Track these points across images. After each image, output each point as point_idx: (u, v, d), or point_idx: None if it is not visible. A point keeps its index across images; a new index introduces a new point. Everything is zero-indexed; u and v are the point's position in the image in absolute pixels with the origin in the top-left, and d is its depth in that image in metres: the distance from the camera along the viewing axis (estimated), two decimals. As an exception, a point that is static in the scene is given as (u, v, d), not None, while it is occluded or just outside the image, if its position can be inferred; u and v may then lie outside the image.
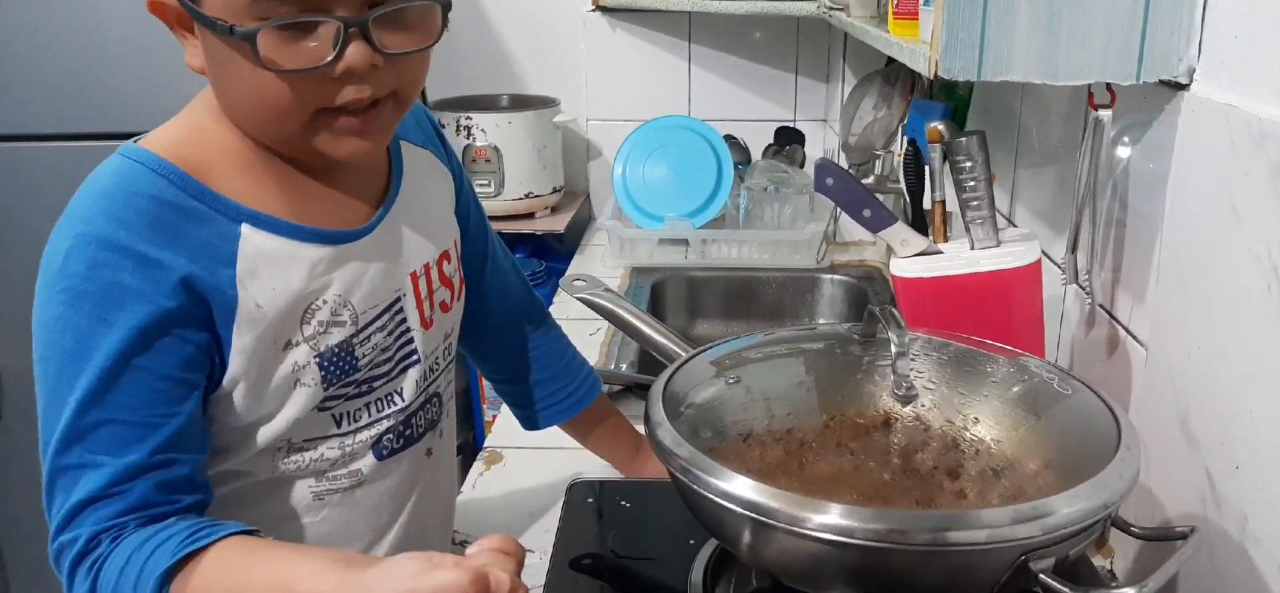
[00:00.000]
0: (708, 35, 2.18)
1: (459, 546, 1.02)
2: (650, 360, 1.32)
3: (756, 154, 2.14)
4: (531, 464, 1.16)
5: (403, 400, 0.83)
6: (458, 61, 2.26)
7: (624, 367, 1.41)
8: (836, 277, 1.78)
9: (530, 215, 2.11)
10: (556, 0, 2.20)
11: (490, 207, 2.06)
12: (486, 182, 2.05)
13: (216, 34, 0.65)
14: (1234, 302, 0.72)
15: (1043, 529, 0.62)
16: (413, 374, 0.83)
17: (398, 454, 0.84)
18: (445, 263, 0.86)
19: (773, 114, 2.22)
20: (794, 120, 2.22)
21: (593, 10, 2.17)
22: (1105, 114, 0.87)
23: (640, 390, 1.30)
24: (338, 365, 0.77)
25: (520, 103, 2.17)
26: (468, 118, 2.01)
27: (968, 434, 0.85)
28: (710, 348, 0.89)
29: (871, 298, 1.68)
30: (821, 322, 1.77)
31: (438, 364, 0.87)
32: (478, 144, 2.02)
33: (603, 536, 0.91)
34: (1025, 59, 0.80)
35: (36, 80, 1.83)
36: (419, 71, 0.74)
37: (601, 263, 1.88)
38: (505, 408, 1.29)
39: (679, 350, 0.93)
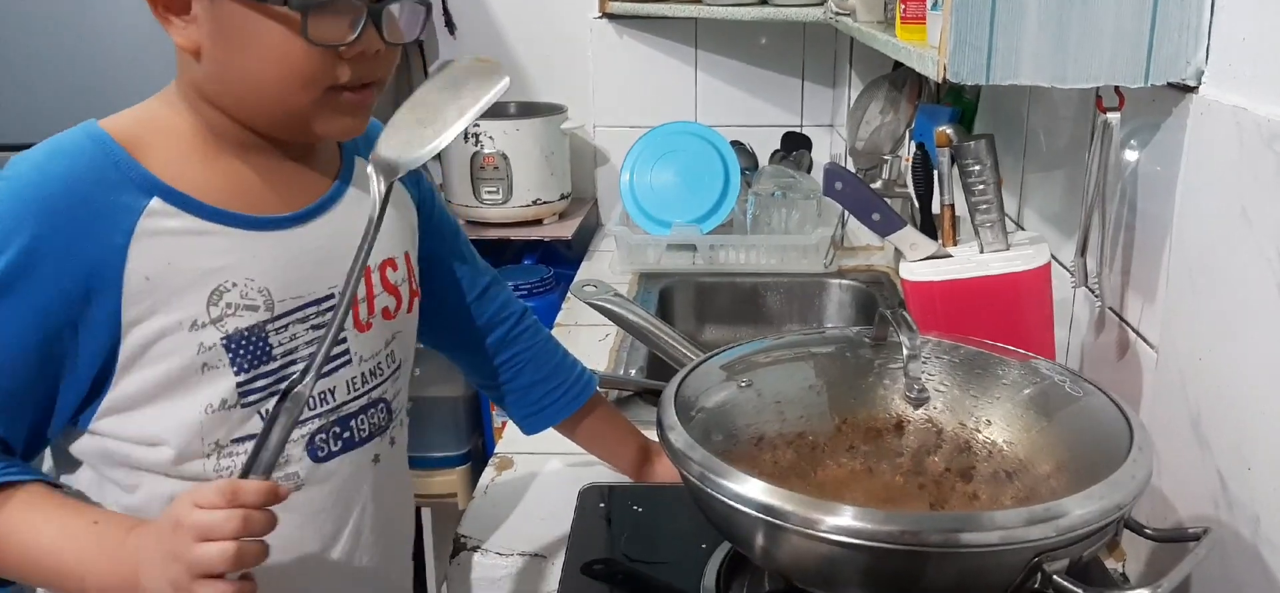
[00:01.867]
0: (714, 41, 2.19)
1: (471, 551, 1.02)
2: (659, 366, 1.32)
3: (763, 159, 2.14)
4: (543, 470, 1.16)
5: (334, 400, 0.83)
6: (465, 69, 2.27)
7: (633, 372, 1.41)
8: (844, 281, 1.79)
9: (538, 222, 2.12)
10: (564, 7, 2.20)
11: (498, 213, 2.07)
12: (494, 188, 2.05)
13: (258, 4, 0.70)
14: (1244, 303, 0.72)
15: (1056, 531, 0.62)
16: (345, 374, 0.83)
17: (337, 456, 0.84)
18: (390, 270, 0.87)
19: (779, 119, 2.22)
20: (801, 125, 2.23)
21: (600, 17, 2.17)
22: (1114, 117, 0.87)
23: (650, 396, 1.30)
24: (248, 350, 0.77)
25: (528, 110, 2.17)
26: (475, 125, 2.02)
27: (980, 437, 0.86)
28: (721, 352, 0.90)
29: (879, 302, 1.68)
30: (830, 326, 1.77)
31: (381, 370, 0.87)
32: (486, 151, 2.03)
33: (615, 540, 0.92)
34: (1034, 62, 0.80)
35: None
36: (394, 64, 0.80)
37: (609, 269, 1.89)
38: (516, 414, 1.30)
39: (690, 355, 0.94)
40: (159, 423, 0.76)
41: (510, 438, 1.24)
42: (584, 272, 1.95)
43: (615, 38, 2.19)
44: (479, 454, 2.08)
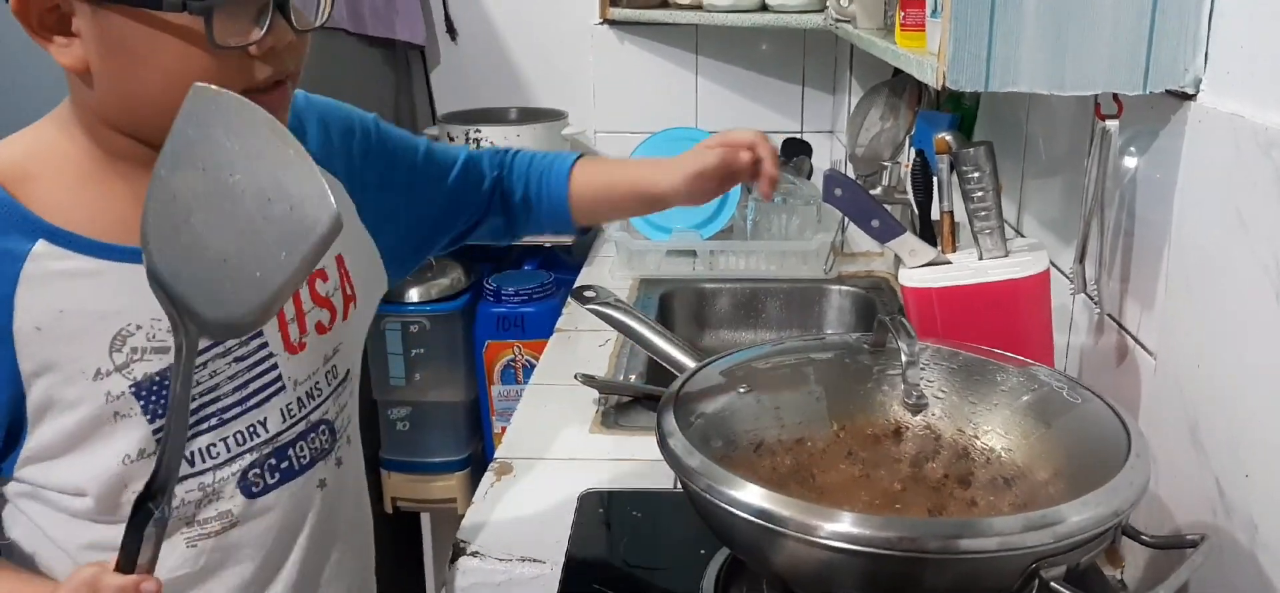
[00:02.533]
0: (715, 47, 2.19)
1: (471, 556, 1.02)
2: (659, 371, 1.32)
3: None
4: (542, 475, 1.16)
5: (267, 432, 0.78)
6: (465, 74, 2.27)
7: (633, 377, 1.41)
8: (844, 287, 1.79)
9: (539, 227, 2.12)
10: (564, 13, 2.21)
11: (499, 219, 2.07)
12: (495, 194, 2.06)
13: (160, 11, 0.63)
14: (1242, 310, 0.72)
15: (1054, 537, 0.63)
16: (278, 403, 0.78)
17: (274, 490, 0.80)
18: (320, 282, 0.81)
19: (780, 126, 2.22)
20: (801, 132, 2.23)
21: (600, 23, 2.18)
22: (1112, 124, 0.87)
23: (649, 401, 1.30)
24: (160, 396, 0.72)
25: (528, 115, 2.18)
26: (476, 130, 2.03)
27: (978, 443, 0.86)
28: (720, 358, 0.90)
29: (879, 308, 1.68)
30: (830, 332, 1.77)
31: (319, 390, 0.82)
32: (486, 157, 2.04)
33: (614, 545, 0.92)
34: (1032, 70, 0.81)
35: None
36: (305, 55, 0.73)
37: (609, 274, 1.89)
38: (514, 419, 1.30)
39: (689, 361, 0.94)
40: (79, 473, 0.72)
41: (510, 443, 1.24)
42: (584, 277, 1.95)
43: (616, 43, 2.20)
44: (479, 459, 2.08)
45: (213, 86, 0.60)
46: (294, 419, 0.80)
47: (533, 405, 1.34)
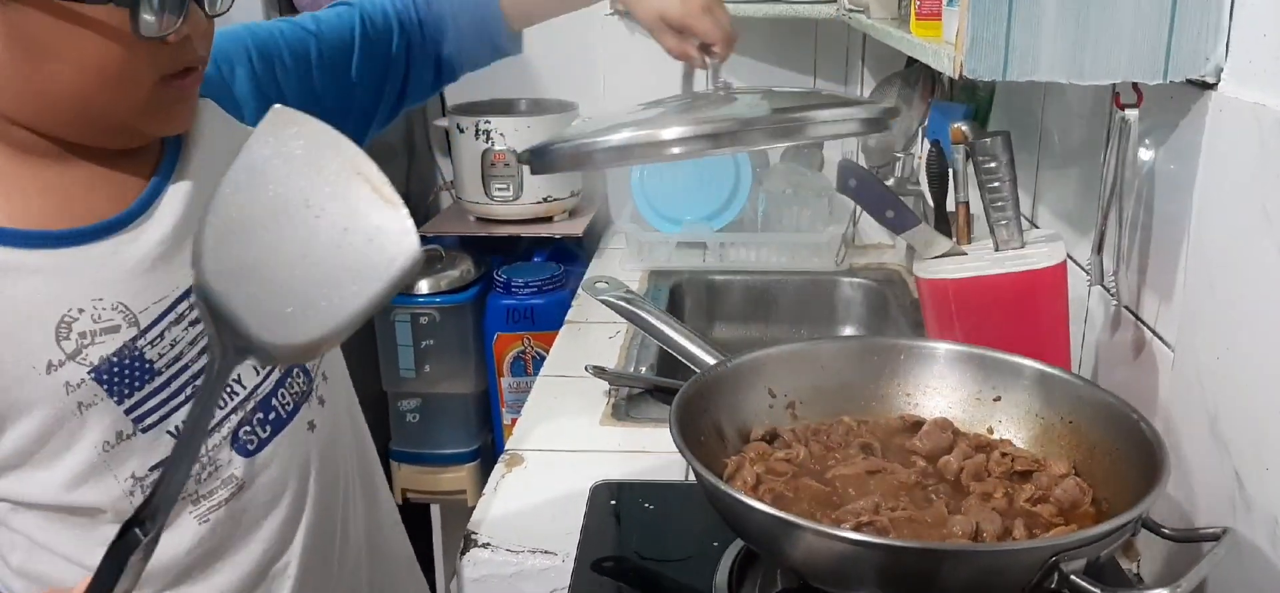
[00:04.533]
0: (725, 38, 2.18)
1: (481, 547, 1.02)
2: (670, 363, 1.32)
3: (774, 157, 2.13)
4: (553, 467, 1.16)
5: (245, 388, 0.77)
6: (476, 66, 2.26)
7: (644, 369, 1.41)
8: (856, 280, 1.78)
9: (548, 219, 2.11)
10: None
11: (508, 211, 2.07)
12: (505, 186, 2.05)
13: (84, 5, 0.62)
14: (1265, 302, 0.71)
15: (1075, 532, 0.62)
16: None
17: (269, 443, 0.79)
18: None
19: (790, 117, 2.21)
20: (812, 123, 2.22)
21: (610, 14, 2.16)
22: (1131, 114, 0.86)
23: (661, 393, 1.29)
24: (123, 376, 0.70)
25: (538, 107, 2.17)
26: (486, 122, 2.02)
27: (994, 437, 0.85)
28: (735, 355, 0.89)
29: (891, 301, 1.67)
30: (843, 326, 1.76)
31: None
32: (496, 148, 2.03)
33: (626, 537, 0.91)
34: (1052, 59, 0.80)
35: None
36: (212, 40, 0.72)
37: (620, 266, 1.88)
38: (524, 410, 1.30)
39: (700, 352, 0.93)
40: (60, 475, 0.70)
41: (520, 435, 1.24)
42: (594, 269, 1.95)
43: (626, 34, 2.19)
44: (489, 451, 2.08)
45: (293, 110, 0.59)
46: (266, 371, 0.79)
47: (543, 397, 1.33)
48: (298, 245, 0.55)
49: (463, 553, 1.01)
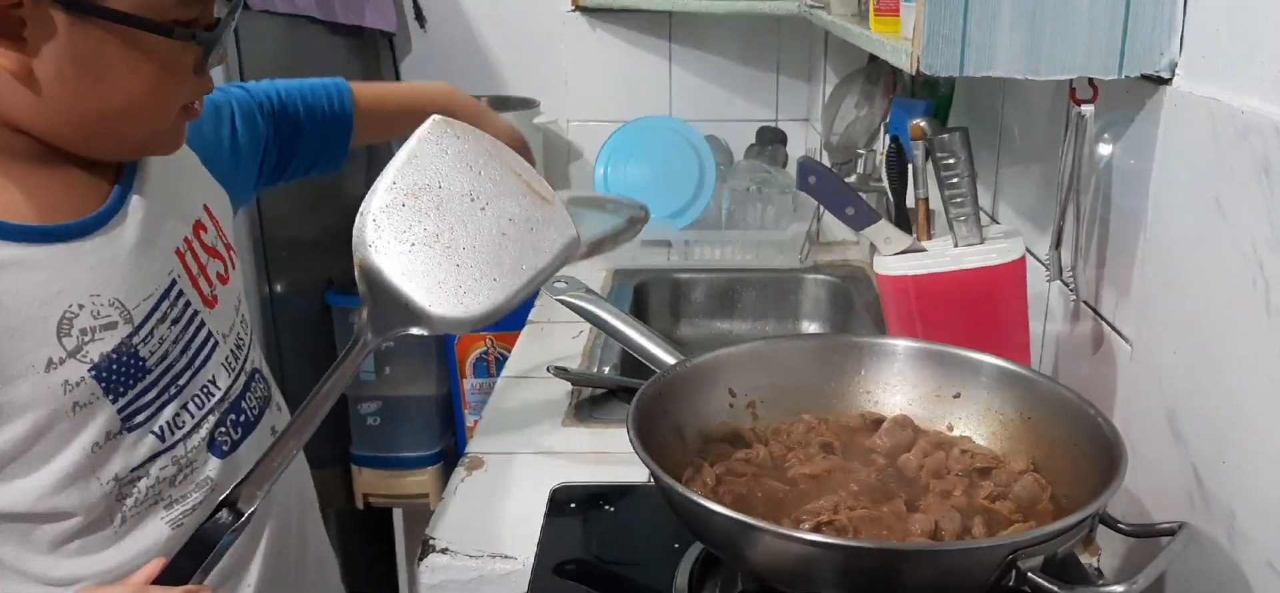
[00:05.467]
0: (688, 35, 2.17)
1: (440, 553, 1.00)
2: (633, 364, 1.30)
3: (738, 154, 2.13)
4: (514, 470, 1.14)
5: (219, 390, 0.78)
6: (436, 63, 2.24)
7: (607, 369, 1.39)
8: (820, 277, 1.78)
9: (511, 218, 2.09)
10: (536, 1, 2.18)
11: (471, 210, 2.04)
12: (467, 184, 2.03)
13: (168, 37, 0.65)
14: (1220, 296, 0.71)
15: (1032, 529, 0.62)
16: (218, 357, 0.78)
17: (241, 444, 0.80)
18: (202, 233, 0.80)
19: (754, 114, 2.21)
20: (776, 120, 2.22)
21: (572, 11, 2.15)
22: (1088, 109, 0.86)
23: (624, 394, 1.28)
24: (120, 373, 0.70)
25: (500, 105, 2.15)
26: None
27: (954, 434, 0.85)
28: (694, 356, 0.89)
29: (855, 298, 1.67)
30: (807, 323, 1.76)
31: (242, 341, 0.82)
32: (457, 147, 2.00)
33: (586, 541, 0.90)
34: (1008, 54, 0.79)
35: None
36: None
37: (585, 266, 1.87)
38: (486, 412, 1.28)
39: (659, 351, 0.92)
40: (39, 483, 0.69)
41: (481, 437, 1.22)
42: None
43: (588, 31, 2.17)
44: (452, 454, 2.06)
45: (451, 119, 0.67)
46: (235, 372, 0.81)
47: (505, 399, 1.32)
48: (466, 233, 0.63)
49: (420, 558, 0.99)
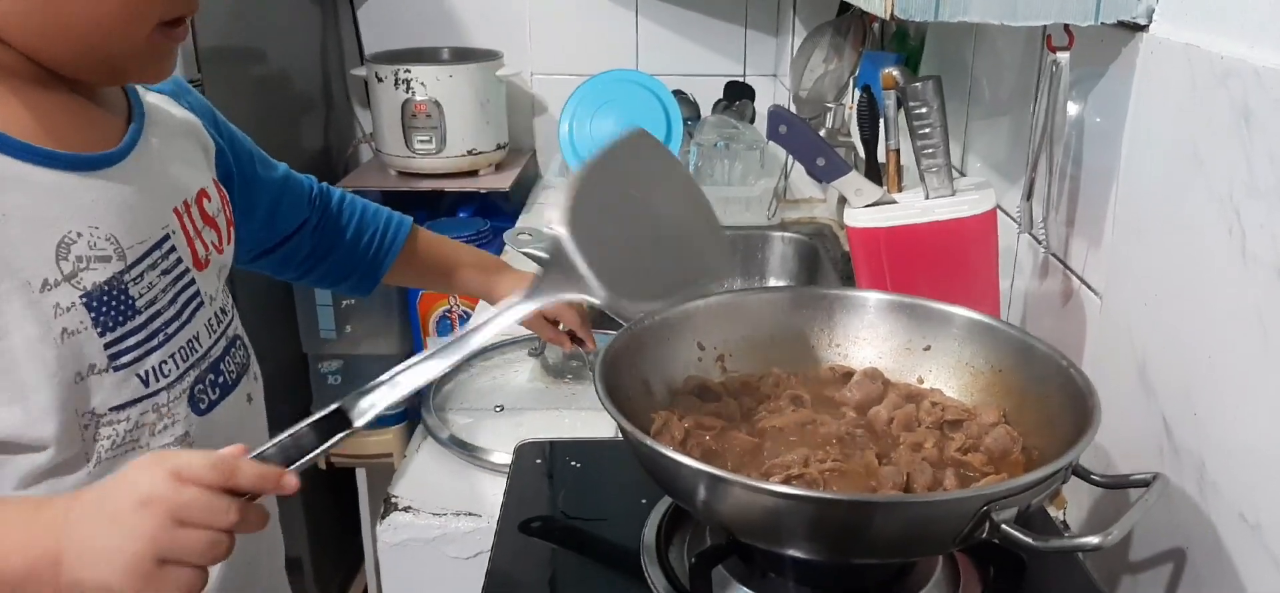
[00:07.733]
0: (655, -13, 2.13)
1: (403, 511, 0.98)
2: (599, 317, 1.29)
3: (706, 109, 2.10)
4: (479, 427, 1.12)
5: (201, 347, 0.78)
6: (396, 13, 2.18)
7: (572, 325, 1.37)
8: (787, 234, 1.76)
9: (474, 173, 2.05)
10: (499, -51, 2.13)
11: (431, 164, 2.00)
12: (427, 137, 1.98)
13: None
14: (1194, 247, 0.70)
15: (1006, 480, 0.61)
16: (203, 317, 0.78)
17: (217, 405, 0.80)
18: (206, 201, 0.81)
19: (722, 68, 2.18)
20: (744, 75, 2.19)
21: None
22: (1063, 57, 0.85)
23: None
24: (110, 307, 0.70)
25: (462, 56, 2.10)
26: (406, 71, 1.95)
27: (924, 387, 0.84)
28: (661, 310, 0.86)
29: (822, 255, 1.66)
30: (773, 280, 1.75)
31: (227, 307, 0.83)
32: (417, 98, 1.96)
33: (553, 497, 0.88)
34: (984, 0, 0.78)
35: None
36: None
37: (549, 221, 1.84)
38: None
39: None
40: (23, 400, 0.67)
41: (445, 395, 1.20)
42: (521, 223, 1.90)
43: (553, -18, 2.13)
44: (416, 413, 2.02)
45: (650, 135, 0.75)
46: (217, 335, 0.81)
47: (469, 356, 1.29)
48: (645, 236, 0.71)
49: (382, 517, 0.97)
